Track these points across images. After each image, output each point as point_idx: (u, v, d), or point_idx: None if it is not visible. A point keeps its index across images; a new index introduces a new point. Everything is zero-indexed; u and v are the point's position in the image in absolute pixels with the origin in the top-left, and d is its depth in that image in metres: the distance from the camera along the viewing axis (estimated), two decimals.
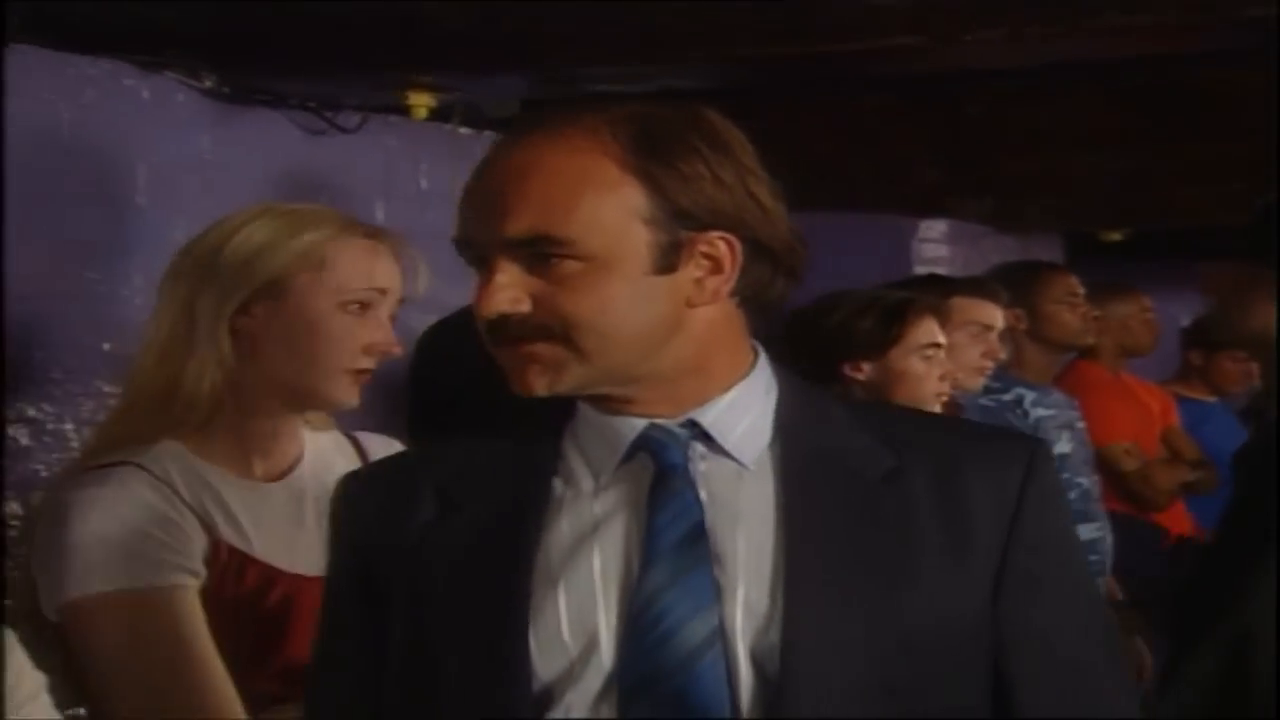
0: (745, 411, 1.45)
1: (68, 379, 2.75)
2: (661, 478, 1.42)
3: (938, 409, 3.11)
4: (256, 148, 3.02)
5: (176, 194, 2.87)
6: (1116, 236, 5.52)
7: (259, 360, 2.02)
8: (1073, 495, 4.00)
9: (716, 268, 1.41)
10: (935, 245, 5.50)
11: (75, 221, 2.71)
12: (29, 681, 1.76)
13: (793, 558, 1.40)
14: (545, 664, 1.40)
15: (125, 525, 1.92)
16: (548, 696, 1.40)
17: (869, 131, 4.68)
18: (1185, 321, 6.48)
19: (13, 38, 2.59)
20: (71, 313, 2.72)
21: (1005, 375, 3.88)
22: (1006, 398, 3.92)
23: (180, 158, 2.88)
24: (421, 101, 2.89)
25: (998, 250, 5.67)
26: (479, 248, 1.40)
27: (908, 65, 3.04)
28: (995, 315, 3.50)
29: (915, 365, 2.99)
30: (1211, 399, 5.27)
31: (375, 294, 2.02)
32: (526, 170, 1.38)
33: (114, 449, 2.02)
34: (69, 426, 2.75)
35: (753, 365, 1.47)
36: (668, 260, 1.38)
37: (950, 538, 1.43)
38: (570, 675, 1.40)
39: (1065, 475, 4.07)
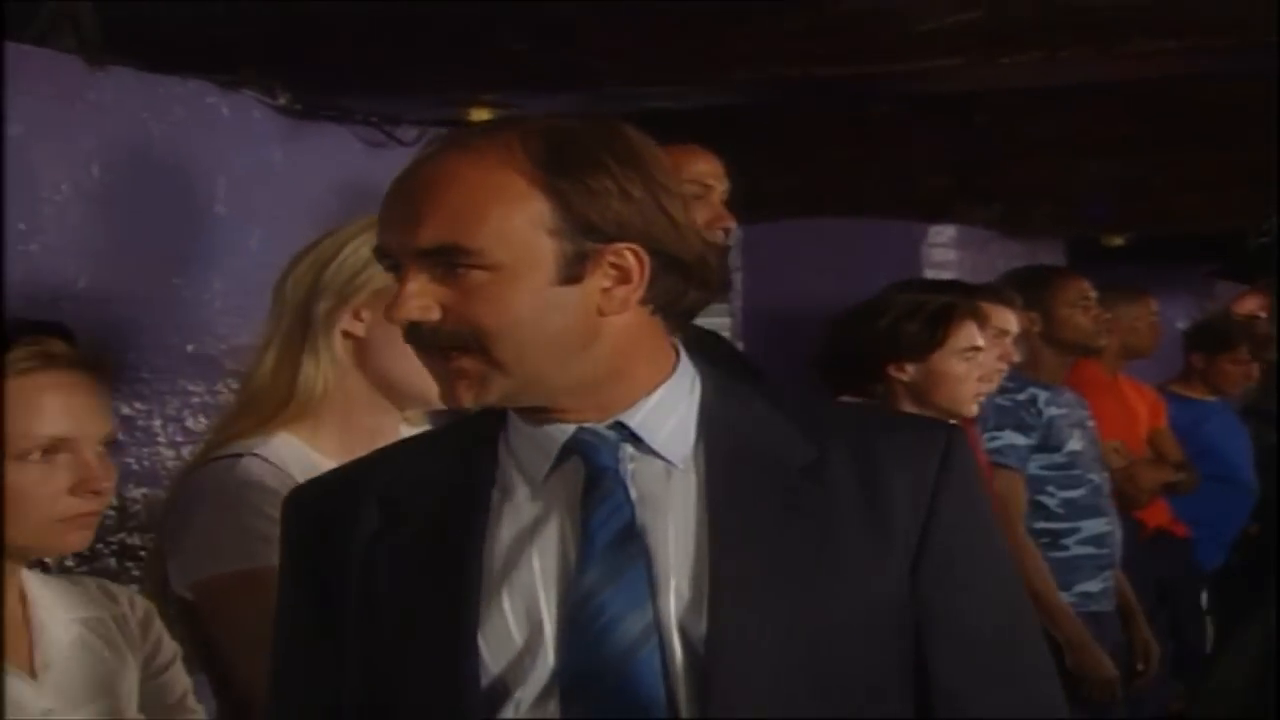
0: (670, 411, 1.48)
1: (155, 378, 2.90)
2: (593, 479, 1.45)
3: (975, 410, 3.25)
4: (322, 160, 3.18)
5: (251, 204, 3.03)
6: (1118, 241, 5.65)
7: (366, 361, 2.19)
8: (1083, 491, 4.16)
9: (624, 278, 1.43)
10: (944, 249, 5.64)
11: (163, 231, 2.87)
12: (168, 650, 1.93)
13: (718, 552, 1.42)
14: (494, 664, 1.43)
15: (251, 510, 2.07)
16: (498, 696, 1.43)
17: (880, 140, 4.75)
18: (1181, 323, 6.65)
19: (109, 60, 2.76)
20: (159, 316, 2.87)
21: (1020, 376, 4.00)
22: (1021, 397, 4.07)
23: (255, 169, 3.04)
24: (481, 117, 3.05)
25: (1003, 254, 5.81)
26: (394, 256, 1.43)
27: (941, 84, 3.21)
28: (1011, 320, 3.61)
29: (956, 367, 3.12)
30: (1212, 398, 5.41)
31: None
32: (439, 182, 1.40)
33: (236, 441, 2.19)
34: (156, 423, 2.91)
35: (675, 367, 1.49)
36: (573, 271, 1.40)
37: (870, 526, 1.45)
38: (518, 674, 1.43)
39: (1076, 471, 4.22)
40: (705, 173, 2.79)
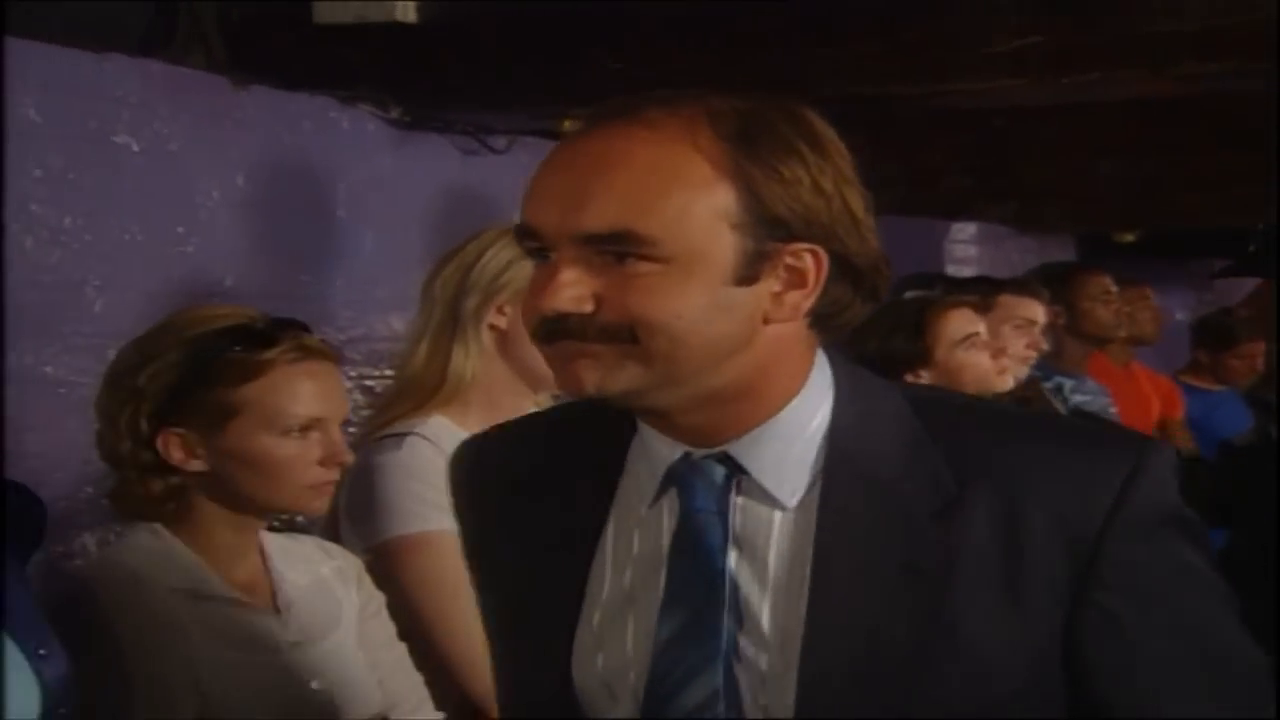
0: (790, 439, 1.31)
1: None
2: (685, 520, 1.32)
3: (1009, 383, 3.36)
4: (425, 167, 3.44)
5: (366, 208, 3.30)
6: (1129, 238, 5.92)
7: (508, 351, 2.49)
8: None
9: (800, 281, 1.27)
10: (964, 246, 5.92)
11: (293, 233, 3.14)
12: (376, 598, 2.21)
13: (813, 617, 1.27)
14: (588, 677, 1.36)
15: (423, 481, 2.36)
16: (594, 702, 1.36)
17: (903, 142, 4.89)
18: (1180, 314, 6.94)
19: (249, 80, 3.03)
20: (290, 310, 3.10)
21: (1046, 365, 4.27)
22: (1048, 385, 4.37)
23: (369, 177, 3.31)
24: (571, 126, 3.32)
25: (1018, 250, 6.10)
26: (548, 239, 1.27)
27: (1004, 101, 3.48)
28: (1038, 311, 3.88)
29: (961, 356, 3.23)
30: (1220, 388, 5.60)
31: None
32: (613, 160, 1.24)
33: (398, 421, 2.48)
34: None
35: (805, 382, 1.32)
36: (751, 270, 1.25)
37: (1003, 580, 1.26)
38: (600, 704, 1.35)
39: None
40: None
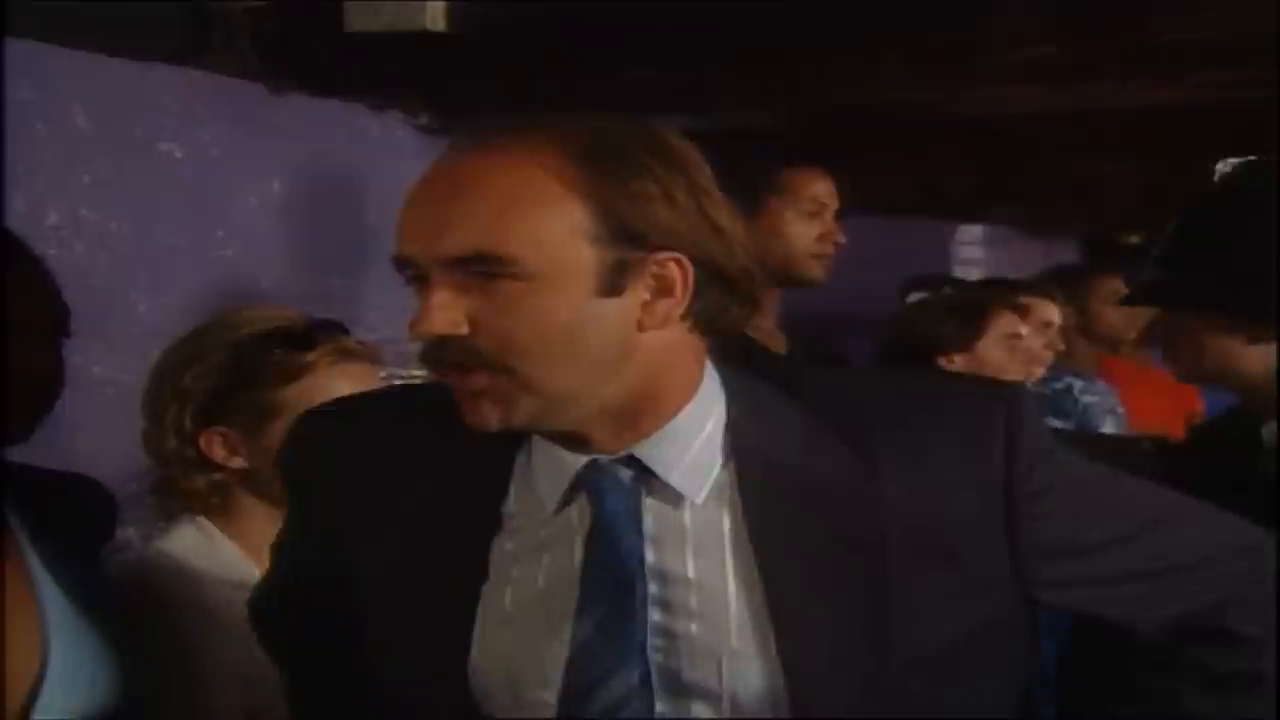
0: (689, 438, 1.36)
1: None
2: (599, 522, 1.35)
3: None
4: None
5: (395, 212, 3.38)
6: (1134, 240, 6.00)
7: None
8: None
9: (667, 290, 1.31)
10: (971, 247, 6.01)
11: (326, 237, 3.22)
12: None
13: (766, 596, 1.32)
14: (491, 680, 1.37)
15: None
16: (498, 703, 1.37)
17: (911, 145, 4.97)
18: None
19: (285, 87, 3.11)
20: (324, 312, 3.18)
21: (1056, 366, 4.38)
22: (1059, 386, 4.44)
23: (399, 182, 3.38)
24: None
25: (1024, 252, 6.19)
26: (418, 266, 1.31)
27: (1023, 107, 3.56)
28: (1054, 312, 3.97)
29: (997, 354, 3.45)
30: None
31: None
32: (465, 185, 1.28)
33: None
34: None
35: (697, 387, 1.37)
36: (615, 281, 1.29)
37: (935, 541, 1.34)
38: (515, 696, 1.37)
39: None
40: (823, 192, 3.17)
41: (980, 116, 4.69)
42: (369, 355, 2.17)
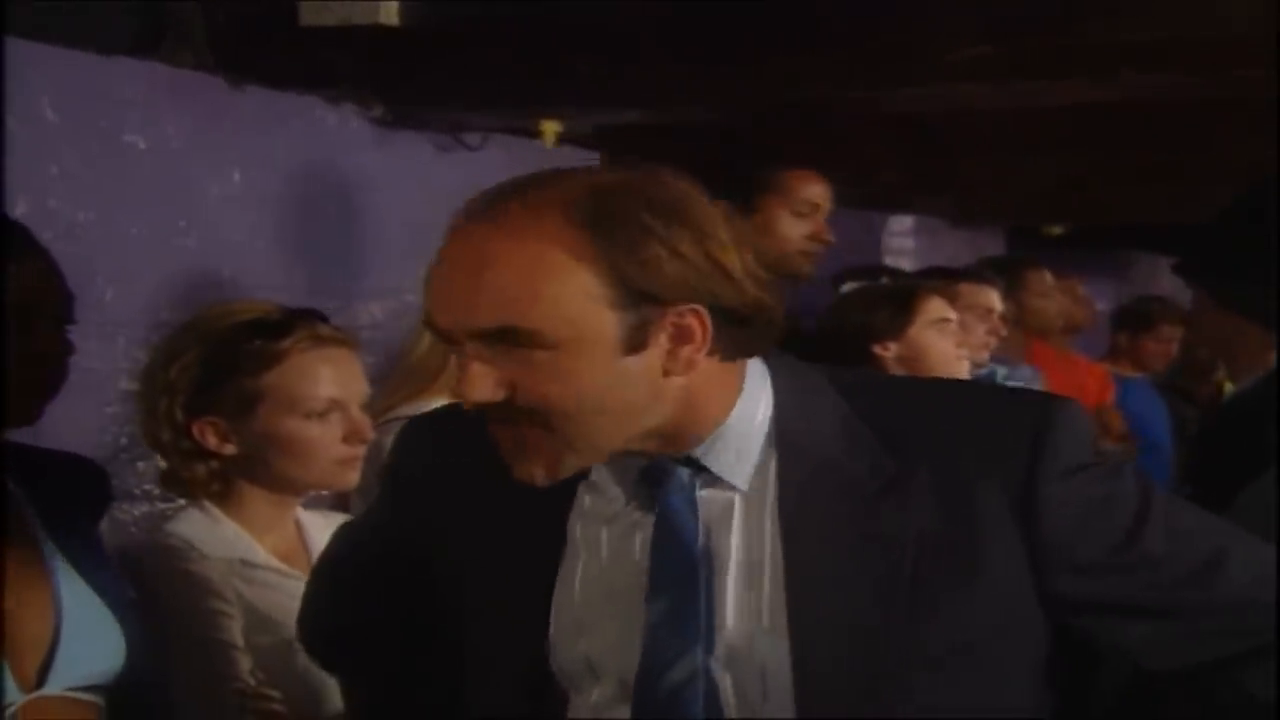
0: (741, 436, 1.44)
1: None
2: (664, 517, 1.44)
3: (964, 371, 3.63)
4: (402, 162, 3.60)
5: (350, 202, 3.46)
6: (1057, 231, 6.17)
7: None
8: None
9: (688, 338, 1.37)
10: (901, 238, 6.13)
11: (287, 227, 3.27)
12: None
13: (792, 590, 1.40)
14: (567, 654, 1.47)
15: None
16: (574, 679, 1.48)
17: (844, 138, 5.13)
18: (1101, 305, 7.19)
19: (245, 80, 3.17)
20: (286, 301, 3.27)
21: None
22: (982, 373, 4.59)
23: (354, 172, 3.46)
24: (552, 129, 3.50)
25: (951, 242, 6.33)
26: (452, 336, 1.38)
27: (957, 103, 3.69)
28: (995, 299, 4.12)
29: (931, 338, 3.51)
30: (1136, 374, 5.86)
31: None
32: (482, 262, 1.33)
33: (401, 406, 2.66)
34: None
35: (741, 388, 1.44)
36: (636, 340, 1.35)
37: (959, 546, 1.39)
38: (591, 669, 1.47)
39: None
40: (817, 194, 3.31)
41: (912, 112, 4.85)
42: (345, 340, 2.27)
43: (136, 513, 2.83)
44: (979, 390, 2.14)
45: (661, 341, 1.37)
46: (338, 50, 3.29)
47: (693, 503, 1.44)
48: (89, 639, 1.72)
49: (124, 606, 1.78)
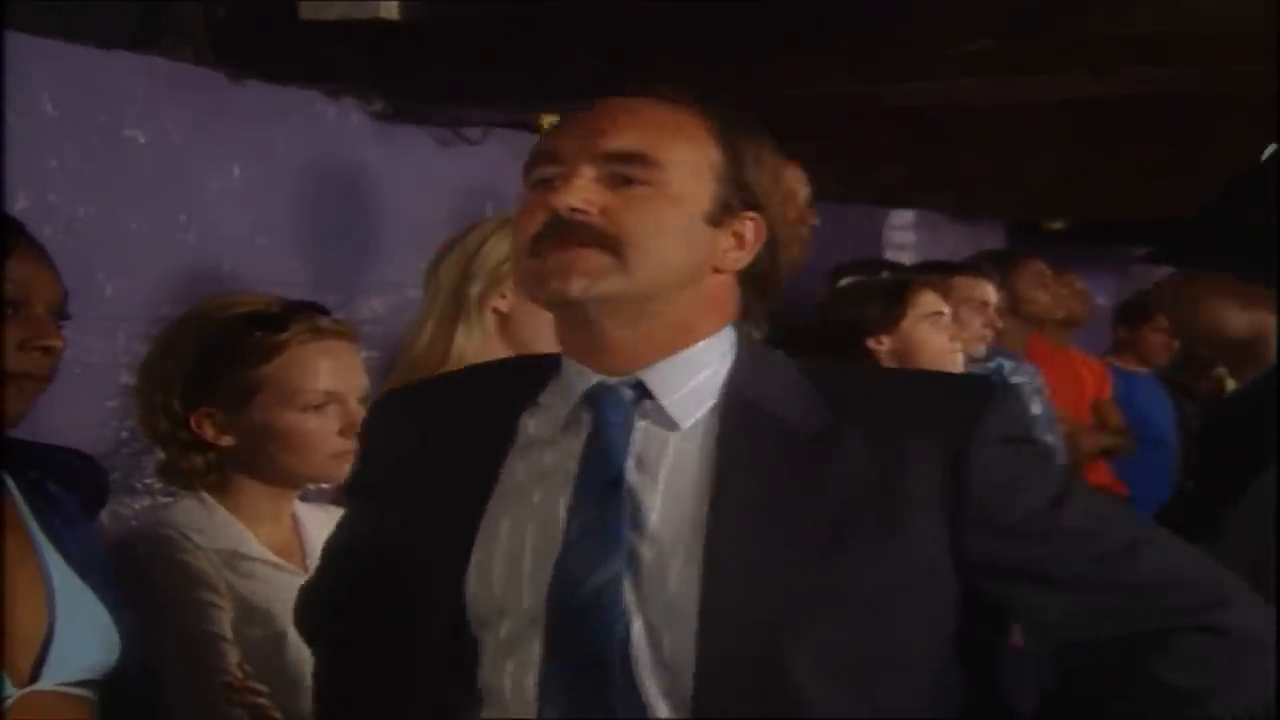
0: (693, 371, 1.54)
1: None
2: (596, 432, 1.53)
3: (959, 363, 3.66)
4: (403, 156, 3.60)
5: (351, 196, 3.46)
6: (1057, 226, 6.17)
7: (508, 332, 2.67)
8: None
9: (741, 244, 1.56)
10: (902, 232, 6.13)
11: (283, 221, 3.27)
12: None
13: (713, 519, 1.46)
14: (481, 591, 1.52)
15: None
16: (484, 620, 1.53)
17: (844, 132, 5.04)
18: (1102, 299, 7.20)
19: (244, 74, 3.17)
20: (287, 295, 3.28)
21: (987, 347, 4.55)
22: (990, 366, 4.60)
23: (355, 167, 3.46)
24: (551, 123, 3.49)
25: (952, 236, 6.33)
26: (564, 159, 1.51)
27: (959, 98, 3.69)
28: (990, 292, 4.17)
29: (924, 331, 3.56)
30: (1141, 369, 5.90)
31: None
32: (637, 108, 1.54)
33: None
34: None
35: (718, 333, 1.57)
36: (719, 217, 1.53)
37: (885, 495, 1.46)
38: (501, 608, 1.52)
39: (1035, 433, 4.76)
40: (794, 179, 3.30)
41: (912, 107, 4.86)
42: (345, 333, 2.27)
43: (137, 507, 2.83)
44: (932, 373, 2.33)
45: (727, 234, 1.54)
46: (338, 45, 3.29)
47: (629, 420, 1.52)
48: (83, 635, 1.72)
49: (118, 603, 1.78)
